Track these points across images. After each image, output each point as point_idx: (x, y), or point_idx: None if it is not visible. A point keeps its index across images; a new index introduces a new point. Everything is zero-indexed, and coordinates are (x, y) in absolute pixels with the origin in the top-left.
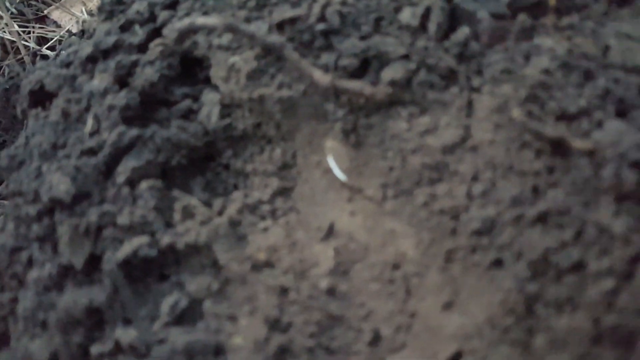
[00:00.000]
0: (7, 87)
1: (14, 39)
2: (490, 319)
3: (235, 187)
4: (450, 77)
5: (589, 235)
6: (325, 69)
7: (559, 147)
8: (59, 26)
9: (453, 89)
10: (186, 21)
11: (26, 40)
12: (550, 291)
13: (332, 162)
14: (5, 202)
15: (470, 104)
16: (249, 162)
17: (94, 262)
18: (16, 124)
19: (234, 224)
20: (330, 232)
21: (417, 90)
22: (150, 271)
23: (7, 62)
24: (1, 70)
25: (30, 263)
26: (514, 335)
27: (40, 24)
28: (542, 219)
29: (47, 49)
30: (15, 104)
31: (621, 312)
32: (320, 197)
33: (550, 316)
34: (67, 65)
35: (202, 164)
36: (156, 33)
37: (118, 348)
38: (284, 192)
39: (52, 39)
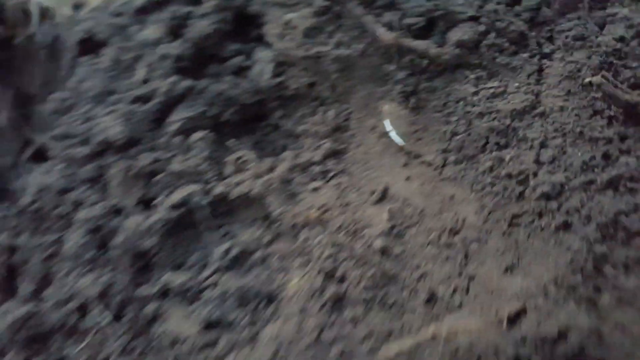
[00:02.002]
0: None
1: None
2: (555, 278)
3: (284, 148)
4: (520, 42)
5: None
6: (389, 27)
7: (632, 115)
8: None
9: (523, 54)
10: None
11: None
12: (619, 253)
13: (388, 126)
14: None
15: (540, 70)
16: (299, 124)
17: (144, 205)
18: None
19: (285, 181)
20: (384, 196)
21: (485, 53)
22: (200, 220)
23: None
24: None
25: (78, 204)
26: (580, 293)
27: None
28: (613, 184)
29: None
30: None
31: None
32: (374, 161)
33: (618, 276)
34: (119, 15)
35: (251, 123)
36: None
37: (167, 291)
38: (336, 154)
39: None
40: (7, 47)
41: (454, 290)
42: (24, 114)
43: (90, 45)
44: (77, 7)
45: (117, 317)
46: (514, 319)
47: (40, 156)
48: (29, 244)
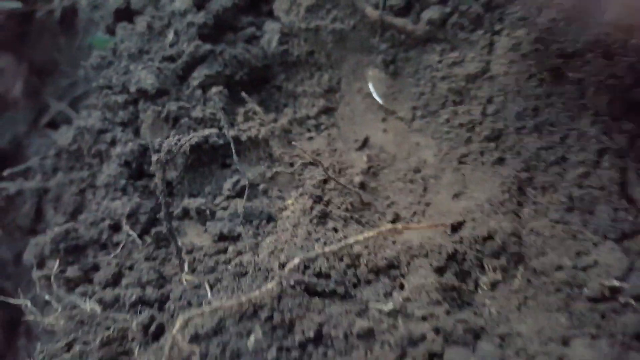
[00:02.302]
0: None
1: None
2: (489, 198)
3: (286, 105)
4: (477, 21)
5: (571, 139)
6: (376, 6)
7: (556, 77)
8: None
9: (479, 31)
10: None
11: None
12: (538, 178)
13: (372, 88)
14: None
15: (491, 44)
16: (299, 85)
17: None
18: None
19: (285, 131)
20: (364, 144)
21: (449, 30)
22: (215, 159)
23: None
24: None
25: (113, 143)
26: (507, 208)
27: None
28: (538, 128)
29: None
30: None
31: (588, 188)
32: (358, 117)
33: (537, 195)
34: None
35: (259, 83)
36: None
37: (186, 213)
38: (328, 111)
39: None
40: (27, 21)
41: (414, 214)
42: (39, 85)
43: (125, 14)
44: None
45: (144, 233)
46: (456, 227)
47: (56, 125)
48: (64, 180)
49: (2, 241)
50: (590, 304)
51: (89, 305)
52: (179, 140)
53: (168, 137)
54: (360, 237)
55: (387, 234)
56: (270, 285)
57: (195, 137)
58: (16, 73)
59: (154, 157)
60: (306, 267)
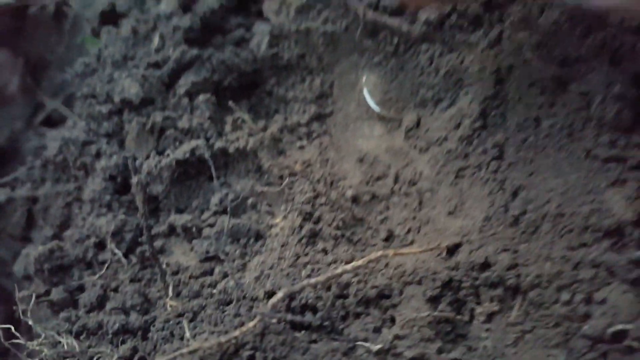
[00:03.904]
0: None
1: None
2: (487, 217)
3: (277, 111)
4: (476, 22)
5: (576, 155)
6: (369, 6)
7: (560, 85)
8: None
9: (478, 33)
10: None
11: None
12: (540, 198)
13: (366, 93)
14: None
15: (491, 47)
16: (290, 90)
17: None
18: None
19: (275, 140)
20: (358, 154)
21: (447, 31)
22: (202, 171)
23: None
24: None
25: (98, 155)
26: (506, 230)
27: None
28: (540, 141)
29: None
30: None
31: (598, 217)
32: (352, 124)
33: (538, 218)
34: None
35: (248, 89)
36: None
37: (172, 230)
38: (320, 117)
39: None
40: (21, 16)
41: (409, 231)
42: (35, 80)
43: (111, 17)
44: None
45: (129, 251)
46: (452, 250)
47: (52, 122)
48: (52, 191)
49: None
50: (592, 342)
51: (68, 341)
52: (159, 161)
53: (156, 148)
54: (349, 267)
55: (378, 260)
56: (252, 323)
57: (175, 157)
58: (13, 68)
59: (134, 179)
60: (292, 299)
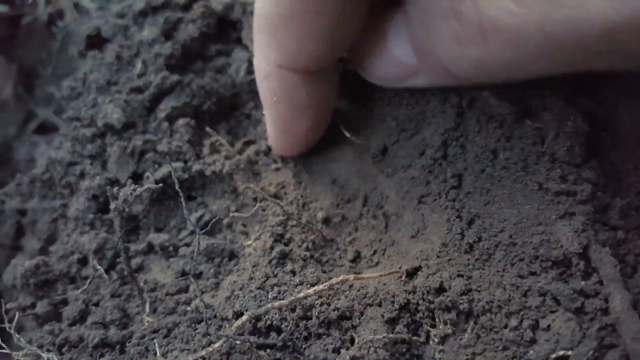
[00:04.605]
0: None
1: None
2: (445, 243)
3: (253, 134)
4: None
5: (528, 189)
6: None
7: (517, 120)
8: None
9: None
10: None
11: None
12: (494, 228)
13: (339, 119)
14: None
15: None
16: None
17: (135, 178)
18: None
19: (251, 162)
20: (330, 177)
21: None
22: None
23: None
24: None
25: (82, 175)
26: (462, 256)
27: None
28: (495, 173)
29: None
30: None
31: (548, 247)
32: (325, 149)
33: (492, 246)
34: (122, 16)
35: (227, 112)
36: None
37: (150, 248)
38: None
39: None
40: (14, 24)
41: (374, 252)
42: (27, 88)
43: (96, 41)
44: None
45: (110, 268)
46: (411, 273)
47: (44, 129)
48: (39, 207)
49: None
50: None
51: (49, 356)
52: (134, 190)
53: (136, 170)
54: (311, 291)
55: (340, 284)
56: (217, 344)
57: (151, 185)
58: (6, 74)
59: (112, 205)
60: (257, 320)
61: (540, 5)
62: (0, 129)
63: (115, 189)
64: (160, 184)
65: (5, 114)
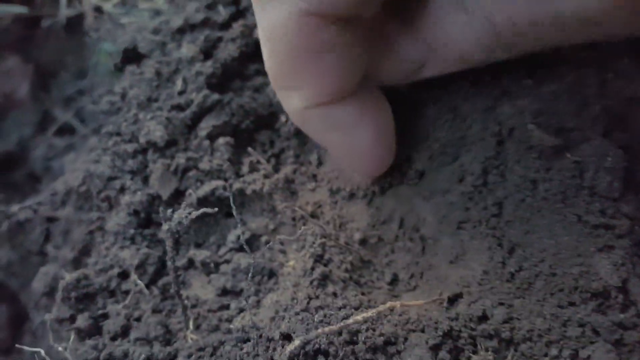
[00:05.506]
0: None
1: None
2: (486, 271)
3: (290, 153)
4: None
5: (567, 221)
6: None
7: (556, 152)
8: None
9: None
10: None
11: None
12: (534, 258)
13: None
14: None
15: (494, 108)
16: (303, 132)
17: (177, 195)
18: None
19: (288, 181)
20: (367, 197)
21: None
22: (220, 209)
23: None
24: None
25: (122, 190)
26: (503, 285)
27: None
28: (536, 204)
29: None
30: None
31: (586, 279)
32: None
33: (532, 277)
34: (158, 32)
35: (264, 131)
36: (238, 14)
37: (191, 264)
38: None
39: None
40: (33, 26)
41: (412, 275)
42: (44, 88)
43: (133, 55)
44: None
45: (151, 283)
46: (453, 300)
47: (60, 131)
48: (73, 217)
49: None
50: None
51: None
52: (189, 213)
53: (178, 187)
54: (360, 318)
55: (386, 311)
56: None
57: (208, 210)
58: (23, 75)
59: (165, 226)
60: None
61: None
62: (16, 129)
63: (169, 211)
64: (216, 208)
65: (22, 114)
